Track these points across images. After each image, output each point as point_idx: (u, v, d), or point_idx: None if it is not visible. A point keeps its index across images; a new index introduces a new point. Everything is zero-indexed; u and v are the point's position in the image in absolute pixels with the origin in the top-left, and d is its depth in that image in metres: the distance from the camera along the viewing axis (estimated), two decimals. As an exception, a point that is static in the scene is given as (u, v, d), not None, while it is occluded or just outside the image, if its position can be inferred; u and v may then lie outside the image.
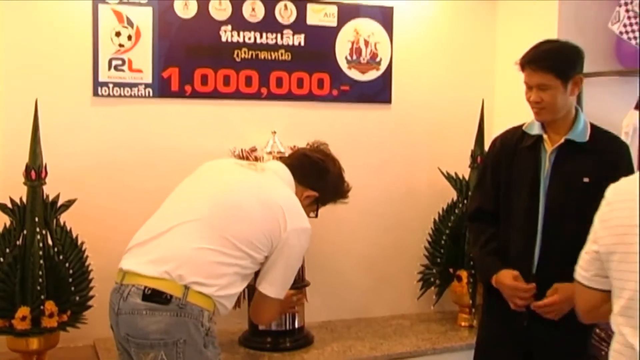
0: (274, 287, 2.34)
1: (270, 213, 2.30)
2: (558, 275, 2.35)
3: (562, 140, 2.46)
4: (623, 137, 3.28)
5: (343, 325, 3.58)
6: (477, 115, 3.64)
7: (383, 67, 3.71)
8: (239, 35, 3.44)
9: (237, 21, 3.43)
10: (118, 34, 3.28)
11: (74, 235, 3.03)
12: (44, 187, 2.96)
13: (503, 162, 2.56)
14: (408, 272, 3.72)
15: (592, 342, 2.81)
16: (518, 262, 2.48)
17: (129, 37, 3.30)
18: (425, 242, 3.70)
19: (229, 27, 3.43)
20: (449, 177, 3.67)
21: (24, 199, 2.94)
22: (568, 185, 2.41)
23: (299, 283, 2.82)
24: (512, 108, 3.84)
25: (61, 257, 2.98)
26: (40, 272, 2.89)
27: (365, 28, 3.68)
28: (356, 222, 3.67)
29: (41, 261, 2.90)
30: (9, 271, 2.89)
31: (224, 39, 3.42)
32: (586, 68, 3.45)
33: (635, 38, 3.16)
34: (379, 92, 3.71)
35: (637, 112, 3.24)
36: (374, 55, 3.70)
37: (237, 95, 3.44)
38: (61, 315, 2.96)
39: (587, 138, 2.46)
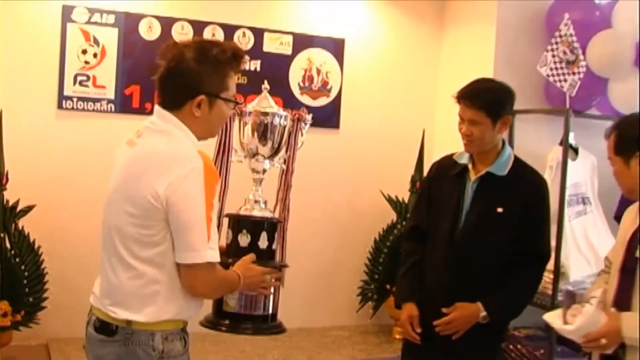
0: (187, 251, 1.92)
1: (138, 199, 1.92)
2: (468, 297, 2.51)
3: (483, 172, 2.62)
4: (547, 171, 3.58)
5: (285, 334, 3.77)
6: (418, 143, 3.91)
7: (333, 94, 3.97)
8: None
9: (198, 45, 3.64)
10: (84, 52, 3.49)
11: (32, 240, 3.20)
12: (5, 193, 3.14)
13: (434, 187, 2.75)
14: (349, 286, 3.96)
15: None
16: (435, 279, 2.62)
17: (95, 55, 3.50)
18: (365, 259, 3.94)
19: (190, 50, 3.64)
20: (389, 200, 3.92)
21: (-15, 203, 3.10)
22: (483, 213, 2.56)
23: (276, 263, 2.43)
24: (450, 138, 4.09)
25: (17, 259, 3.16)
26: (-3, 274, 3.07)
27: (318, 57, 3.94)
28: (302, 238, 3.88)
29: (-2, 263, 3.07)
30: (-34, 271, 3.06)
31: (184, 61, 3.63)
32: (518, 105, 3.73)
33: (560, 81, 3.44)
34: (328, 117, 3.97)
35: (561, 148, 3.51)
36: (324, 83, 3.96)
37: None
38: (15, 315, 3.13)
39: (506, 172, 2.60)
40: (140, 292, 1.95)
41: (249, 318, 2.37)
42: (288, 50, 3.87)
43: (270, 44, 3.83)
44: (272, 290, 2.35)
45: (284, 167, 2.51)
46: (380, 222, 3.96)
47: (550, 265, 3.41)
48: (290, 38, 3.87)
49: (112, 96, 3.54)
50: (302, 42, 3.90)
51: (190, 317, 2.05)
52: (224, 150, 2.44)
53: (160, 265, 1.94)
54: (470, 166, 2.67)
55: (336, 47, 3.98)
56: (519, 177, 2.60)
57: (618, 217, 3.83)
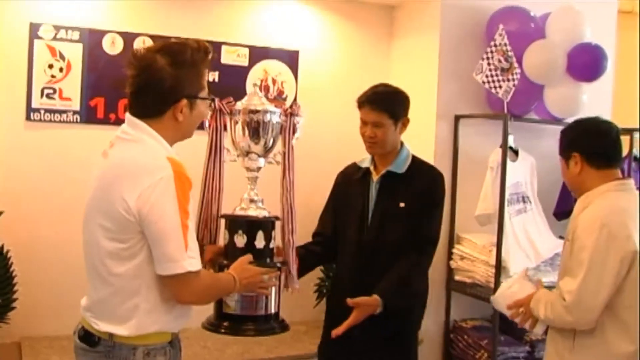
0: (165, 262, 1.88)
1: (111, 212, 1.90)
2: (373, 287, 2.63)
3: (384, 172, 2.79)
4: (488, 172, 3.81)
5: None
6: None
7: (288, 102, 4.18)
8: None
9: (159, 58, 3.84)
10: (51, 66, 3.68)
11: (0, 244, 3.39)
12: (-25, 200, 3.32)
13: (341, 194, 2.87)
14: (306, 283, 4.14)
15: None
16: (345, 283, 2.76)
17: (61, 69, 3.70)
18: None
19: (151, 63, 3.85)
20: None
21: None
22: (387, 210, 2.73)
23: (271, 262, 2.35)
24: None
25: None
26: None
27: (274, 68, 4.16)
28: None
29: (-33, 266, 3.25)
30: (-62, 274, 3.24)
31: (146, 74, 3.84)
32: (461, 110, 4.04)
33: (495, 87, 3.68)
34: (284, 124, 4.17)
35: (501, 150, 3.75)
36: (280, 92, 4.18)
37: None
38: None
39: (404, 169, 2.78)
40: (120, 308, 1.94)
41: (251, 319, 2.33)
42: (245, 62, 4.08)
43: (228, 56, 4.03)
44: (271, 290, 2.31)
45: (281, 163, 2.45)
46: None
47: (492, 260, 3.67)
48: (246, 50, 4.08)
49: (77, 107, 3.74)
50: (258, 54, 4.11)
51: (177, 329, 2.05)
52: (215, 150, 2.40)
53: (138, 278, 1.91)
54: (372, 168, 2.87)
55: (291, 59, 4.19)
56: (416, 173, 2.80)
57: (557, 214, 4.10)
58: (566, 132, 2.69)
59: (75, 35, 3.71)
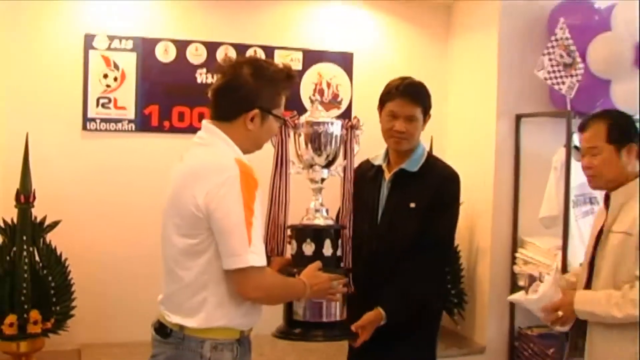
0: (229, 256, 1.97)
1: (182, 210, 2.01)
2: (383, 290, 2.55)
3: (397, 169, 2.64)
4: (552, 172, 3.65)
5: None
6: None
7: (344, 106, 4.12)
8: (213, 77, 3.81)
9: (212, 64, 3.83)
10: (105, 76, 3.72)
11: (59, 253, 3.42)
12: (33, 210, 3.36)
13: (355, 192, 2.66)
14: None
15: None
16: (358, 281, 2.59)
17: (115, 79, 3.73)
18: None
19: (204, 70, 3.86)
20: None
21: (15, 220, 3.34)
22: (397, 210, 2.60)
23: (339, 269, 2.41)
24: (461, 144, 4.22)
25: (45, 271, 3.37)
26: (25, 285, 3.28)
27: (328, 71, 4.10)
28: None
29: (26, 275, 3.29)
30: (-1, 283, 3.30)
31: (199, 81, 3.85)
32: (523, 109, 3.88)
33: (558, 83, 3.51)
34: (339, 128, 4.10)
35: (565, 150, 3.58)
36: (335, 96, 4.11)
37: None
38: (45, 323, 3.34)
39: (418, 167, 2.63)
40: (189, 301, 2.04)
41: (319, 325, 2.41)
42: (298, 66, 4.03)
43: (282, 61, 3.95)
44: (339, 296, 2.38)
45: (341, 175, 2.55)
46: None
47: (558, 264, 3.50)
48: (300, 54, 4.03)
49: (132, 116, 3.76)
50: (311, 57, 4.05)
51: (245, 326, 2.11)
52: (281, 163, 2.49)
53: (206, 273, 2.02)
54: (384, 166, 2.73)
55: (345, 61, 4.12)
56: (430, 172, 2.64)
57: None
58: (619, 118, 2.53)
59: (129, 44, 3.74)
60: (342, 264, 2.49)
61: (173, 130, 3.82)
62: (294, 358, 3.65)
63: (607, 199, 2.56)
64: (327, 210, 2.50)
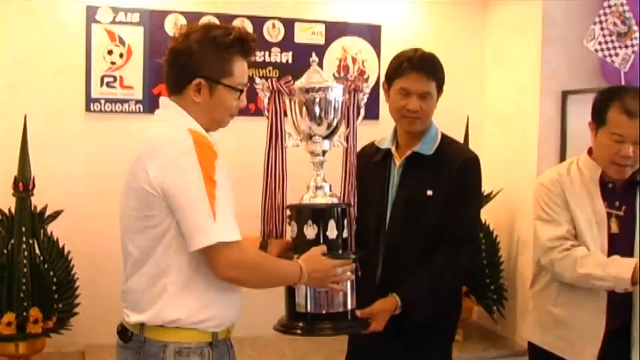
0: (194, 236, 1.79)
1: (137, 190, 1.85)
2: (398, 286, 2.33)
3: (409, 153, 2.40)
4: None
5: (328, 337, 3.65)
6: (462, 131, 3.69)
7: (371, 83, 3.79)
8: (227, 53, 3.56)
9: (226, 39, 3.55)
10: (110, 52, 3.44)
11: (61, 245, 3.17)
12: (32, 199, 3.12)
13: (359, 180, 2.42)
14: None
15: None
16: (364, 274, 2.39)
17: (121, 55, 3.45)
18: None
19: (218, 45, 3.56)
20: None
21: (13, 210, 3.10)
22: (411, 199, 2.36)
23: (345, 254, 2.18)
24: (499, 124, 3.92)
25: (46, 265, 3.14)
26: (25, 280, 3.05)
27: (353, 46, 3.79)
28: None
29: (25, 269, 3.05)
30: (-5, 278, 3.06)
31: (213, 57, 3.55)
32: (572, 85, 3.54)
33: (611, 55, 3.17)
34: (367, 108, 3.76)
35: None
36: (361, 72, 3.81)
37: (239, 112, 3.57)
38: (46, 322, 3.10)
39: (433, 150, 2.39)
40: (148, 292, 1.87)
41: (325, 317, 2.19)
42: (321, 40, 3.74)
43: (302, 35, 3.71)
44: (346, 284, 2.16)
45: (345, 145, 2.30)
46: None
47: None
48: (322, 27, 3.74)
49: (140, 96, 3.49)
50: (335, 30, 3.76)
51: (216, 326, 1.91)
52: (276, 135, 2.26)
53: (165, 258, 1.85)
54: (393, 149, 2.46)
55: (372, 34, 3.82)
56: (447, 155, 2.39)
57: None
58: None
59: (136, 17, 3.46)
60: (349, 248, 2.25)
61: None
62: (318, 358, 3.37)
63: (601, 181, 2.40)
64: (330, 187, 2.26)
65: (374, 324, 2.25)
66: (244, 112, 3.36)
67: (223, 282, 1.87)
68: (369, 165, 2.47)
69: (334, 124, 2.23)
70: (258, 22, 3.61)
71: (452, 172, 2.35)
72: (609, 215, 2.40)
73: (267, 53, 3.62)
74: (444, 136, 2.47)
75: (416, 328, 2.32)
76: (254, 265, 1.89)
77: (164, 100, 1.98)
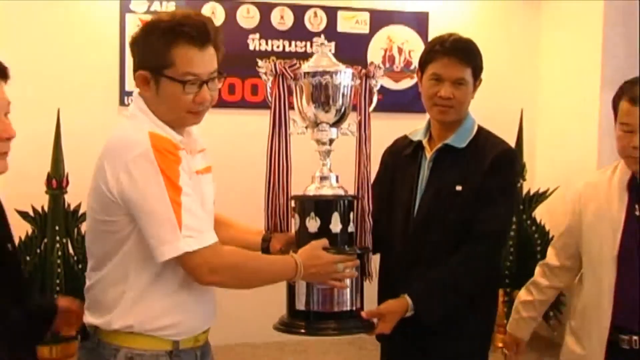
0: (159, 246, 1.67)
1: (97, 190, 1.72)
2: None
3: (440, 145, 2.22)
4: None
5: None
6: (516, 125, 3.49)
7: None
8: (267, 43, 3.42)
9: (266, 29, 3.42)
10: (146, 43, 3.31)
11: (94, 243, 3.06)
12: (66, 196, 3.02)
13: (386, 176, 2.31)
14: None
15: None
16: (393, 276, 2.26)
17: (156, 46, 3.32)
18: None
19: (257, 35, 3.43)
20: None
21: (45, 208, 3.00)
22: (439, 193, 2.20)
23: (349, 249, 2.04)
24: (555, 118, 3.70)
25: (80, 266, 3.02)
26: (58, 280, 2.95)
27: (399, 35, 3.62)
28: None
29: (59, 269, 2.96)
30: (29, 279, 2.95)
31: (251, 47, 3.43)
32: (632, 73, 3.30)
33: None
34: (413, 101, 3.60)
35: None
36: (408, 63, 3.64)
37: (265, 105, 3.40)
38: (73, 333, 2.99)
39: (466, 143, 2.21)
40: (105, 297, 1.74)
41: (328, 316, 2.04)
42: (365, 29, 3.58)
43: (345, 24, 3.55)
44: (351, 282, 2.00)
45: (356, 134, 2.12)
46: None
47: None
48: (366, 16, 3.58)
49: (176, 89, 3.36)
50: (380, 19, 3.59)
51: (173, 335, 1.76)
52: (280, 122, 2.08)
53: (125, 264, 1.73)
54: (425, 142, 2.26)
55: (419, 23, 3.64)
56: (481, 148, 2.20)
57: None
58: None
59: (171, 6, 3.35)
60: (356, 243, 2.07)
61: (222, 104, 3.38)
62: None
63: (632, 183, 2.14)
64: (337, 178, 2.09)
65: (381, 325, 2.08)
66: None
67: (187, 289, 1.76)
68: (400, 159, 2.31)
69: (343, 110, 2.07)
70: (299, 10, 3.46)
71: (484, 167, 2.16)
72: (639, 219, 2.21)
73: (308, 43, 3.46)
74: (480, 129, 2.27)
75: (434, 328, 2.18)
76: (233, 266, 1.77)
77: (134, 93, 1.81)
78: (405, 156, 2.28)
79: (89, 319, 1.77)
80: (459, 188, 2.15)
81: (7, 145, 1.59)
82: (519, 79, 3.76)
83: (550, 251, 2.35)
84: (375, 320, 2.05)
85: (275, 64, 2.03)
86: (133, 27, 3.27)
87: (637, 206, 2.17)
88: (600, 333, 2.13)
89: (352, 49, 3.52)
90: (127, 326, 1.71)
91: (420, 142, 2.27)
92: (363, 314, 2.06)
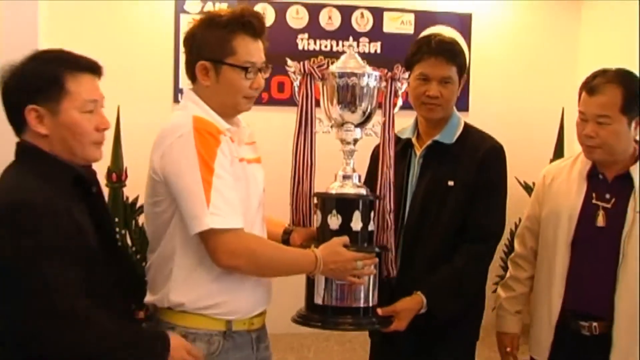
0: (188, 220, 1.75)
1: (149, 176, 1.83)
2: (417, 281, 2.18)
3: (429, 142, 2.26)
4: None
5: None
6: (557, 123, 3.56)
7: (460, 74, 3.70)
8: (315, 43, 3.51)
9: (314, 29, 3.51)
10: (199, 43, 3.42)
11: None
12: (124, 189, 3.12)
13: (376, 172, 2.20)
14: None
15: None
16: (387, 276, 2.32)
17: (209, 46, 3.43)
18: (501, 252, 3.63)
19: (306, 35, 3.52)
20: (526, 187, 3.59)
21: (106, 200, 3.09)
22: (431, 190, 2.24)
23: (369, 247, 2.07)
24: None
25: (139, 256, 3.13)
26: (118, 271, 3.04)
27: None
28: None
29: (119, 260, 3.04)
30: (89, 269, 3.07)
31: (300, 47, 3.52)
32: None
33: None
34: (457, 99, 3.69)
35: None
36: (451, 63, 3.70)
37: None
38: (138, 312, 3.09)
39: (454, 139, 2.25)
40: (159, 273, 1.85)
41: (345, 311, 2.07)
42: (410, 30, 3.65)
43: (391, 24, 3.63)
44: (369, 279, 2.04)
45: (380, 135, 2.15)
46: (516, 212, 3.59)
47: None
48: (411, 16, 3.65)
49: (228, 87, 3.47)
50: (424, 20, 3.67)
51: (223, 314, 1.82)
52: (306, 121, 2.14)
53: (171, 242, 1.81)
54: (414, 139, 2.33)
55: (462, 23, 3.72)
56: (469, 144, 2.25)
57: None
58: (635, 88, 2.11)
59: (224, 6, 3.45)
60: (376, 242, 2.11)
61: (272, 102, 3.50)
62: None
63: (591, 173, 2.18)
64: (359, 177, 2.14)
65: (396, 322, 2.12)
66: (257, 102, 3.34)
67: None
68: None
69: (368, 112, 2.11)
70: (346, 11, 3.55)
71: (474, 162, 2.21)
72: (596, 208, 2.25)
73: (355, 43, 3.55)
74: (467, 125, 2.32)
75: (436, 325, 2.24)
76: (251, 252, 1.80)
77: (185, 89, 1.97)
78: (395, 153, 2.35)
79: (148, 297, 1.89)
80: (450, 183, 2.20)
81: (102, 135, 1.67)
82: (559, 78, 3.81)
83: (515, 241, 2.37)
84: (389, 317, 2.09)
85: (304, 64, 2.09)
86: (187, 27, 3.38)
87: (594, 194, 2.23)
88: (551, 317, 2.17)
89: (397, 49, 3.60)
90: (179, 304, 1.79)
91: (408, 139, 2.35)
92: (379, 311, 2.10)
